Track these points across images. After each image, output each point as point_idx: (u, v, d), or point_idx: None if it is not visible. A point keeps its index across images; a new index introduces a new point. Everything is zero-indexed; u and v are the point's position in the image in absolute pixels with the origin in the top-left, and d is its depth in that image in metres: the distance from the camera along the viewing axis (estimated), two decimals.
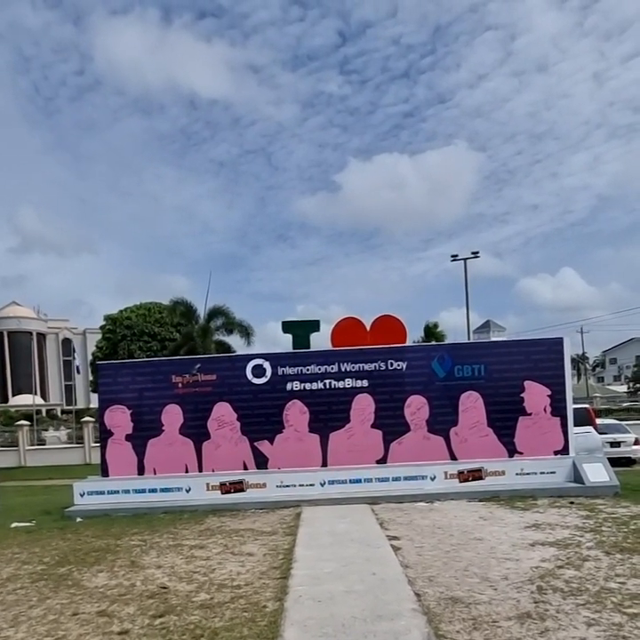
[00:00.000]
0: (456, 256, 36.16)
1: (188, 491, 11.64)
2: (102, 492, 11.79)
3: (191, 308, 33.52)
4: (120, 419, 12.40)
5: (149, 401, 12.25)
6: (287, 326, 13.35)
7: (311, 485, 11.47)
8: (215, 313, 33.61)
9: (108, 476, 12.47)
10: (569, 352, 12.22)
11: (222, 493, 11.55)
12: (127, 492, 11.74)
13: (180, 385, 12.10)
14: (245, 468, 11.93)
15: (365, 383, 11.78)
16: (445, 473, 11.46)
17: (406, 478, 11.43)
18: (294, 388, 11.85)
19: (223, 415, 12.01)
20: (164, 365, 12.36)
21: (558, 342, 12.09)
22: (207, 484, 11.61)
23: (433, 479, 11.43)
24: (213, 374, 12.02)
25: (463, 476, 11.44)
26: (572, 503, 10.16)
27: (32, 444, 31.34)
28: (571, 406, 12.03)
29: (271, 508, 10.91)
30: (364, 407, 11.74)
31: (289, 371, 11.87)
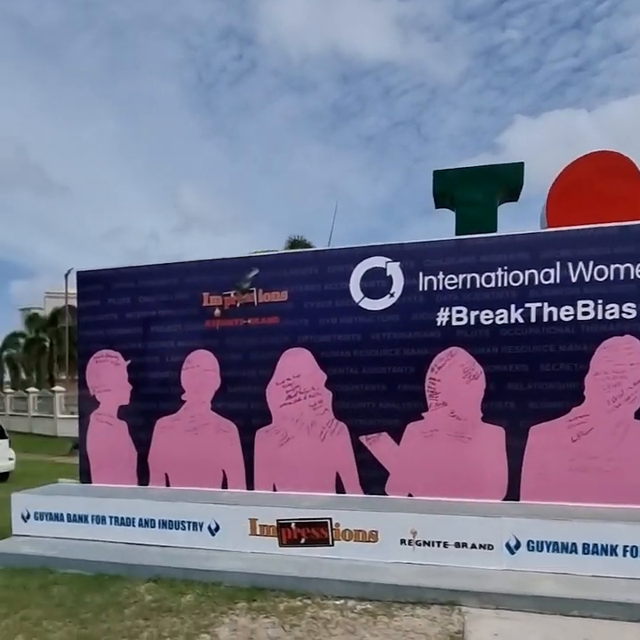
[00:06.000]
0: None
1: (213, 531, 5.54)
2: (59, 517, 6.00)
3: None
4: (111, 376, 6.62)
5: (160, 343, 6.38)
6: (445, 180, 6.34)
7: (486, 548, 4.93)
8: None
9: (89, 480, 6.72)
10: None
11: (282, 544, 5.34)
12: (102, 521, 5.86)
13: (217, 312, 6.10)
14: (340, 487, 5.72)
15: (631, 312, 5.04)
16: None
17: None
18: (455, 322, 5.44)
19: (298, 375, 5.86)
20: (188, 273, 6.36)
21: None
22: (251, 522, 5.43)
23: None
24: (283, 290, 5.89)
25: None
26: None
27: None
28: None
29: (385, 597, 4.58)
30: (620, 368, 5.06)
31: (444, 282, 5.47)
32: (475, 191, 6.11)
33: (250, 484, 6.07)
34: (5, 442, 12.80)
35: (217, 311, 6.07)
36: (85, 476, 6.76)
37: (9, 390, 33.63)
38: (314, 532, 5.29)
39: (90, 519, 5.88)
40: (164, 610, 4.48)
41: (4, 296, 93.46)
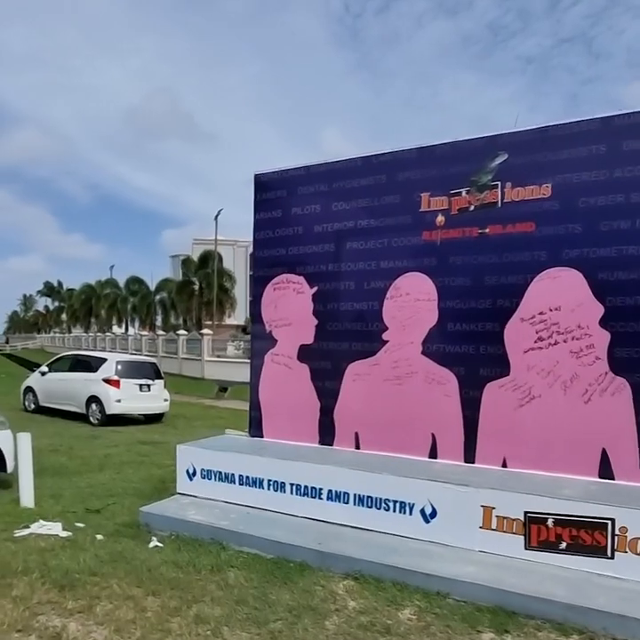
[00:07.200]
0: None
1: (428, 517, 4.00)
2: (229, 478, 4.81)
3: None
4: (292, 307, 5.27)
5: (357, 264, 4.89)
6: None
7: None
8: None
9: (260, 433, 5.52)
10: None
11: (529, 547, 3.69)
12: (281, 488, 4.57)
13: (440, 219, 4.45)
14: (605, 470, 3.96)
15: None
16: None
17: None
18: None
19: (558, 307, 4.09)
20: (400, 166, 4.70)
21: None
22: (485, 511, 3.82)
23: None
24: (545, 182, 4.07)
25: None
26: None
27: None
28: None
29: None
30: None
31: None
32: None
33: (469, 456, 4.51)
34: (161, 382, 12.41)
35: (440, 218, 4.42)
36: (256, 428, 5.57)
37: (161, 332, 35.07)
38: (583, 536, 3.60)
39: (265, 484, 4.63)
40: (379, 630, 3.12)
41: (156, 244, 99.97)
